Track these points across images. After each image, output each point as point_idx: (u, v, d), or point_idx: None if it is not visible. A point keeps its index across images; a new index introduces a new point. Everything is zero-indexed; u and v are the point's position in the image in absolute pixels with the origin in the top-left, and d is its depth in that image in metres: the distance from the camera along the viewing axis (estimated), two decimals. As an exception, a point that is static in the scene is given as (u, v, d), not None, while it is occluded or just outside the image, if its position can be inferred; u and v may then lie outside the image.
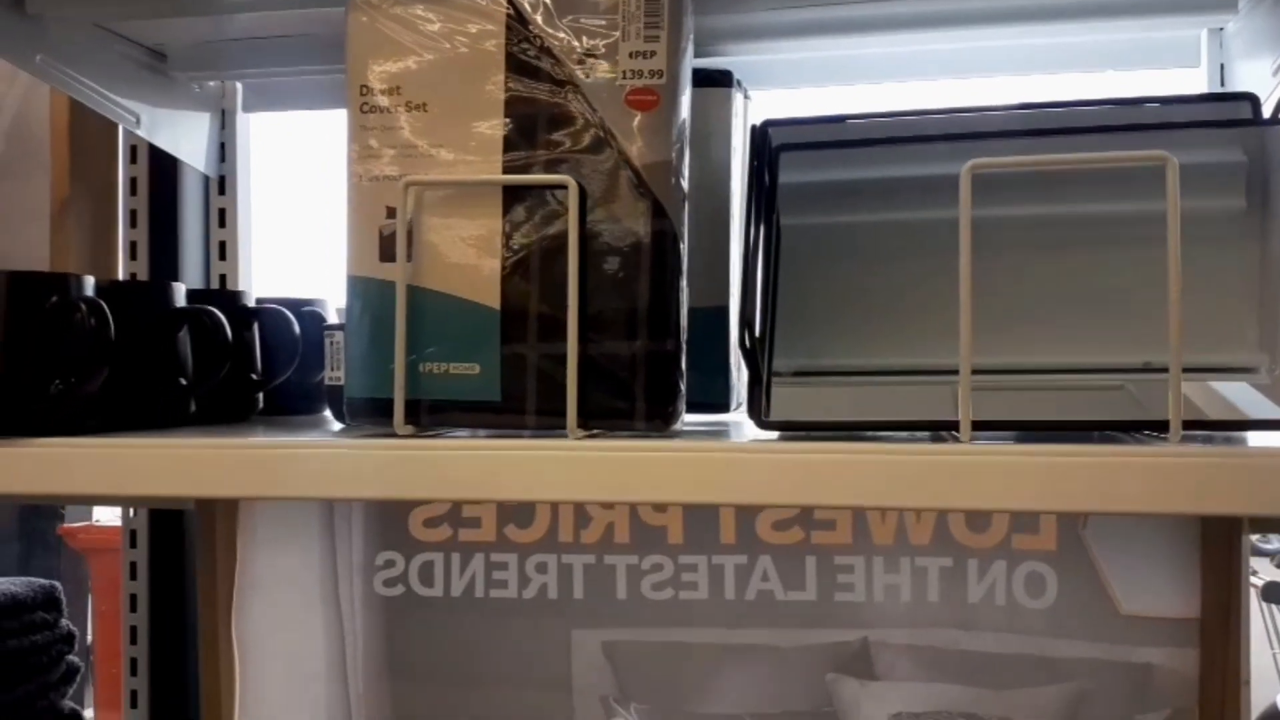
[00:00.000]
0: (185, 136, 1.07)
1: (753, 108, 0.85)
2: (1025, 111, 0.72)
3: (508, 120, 0.68)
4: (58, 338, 0.71)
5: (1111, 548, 0.86)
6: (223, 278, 1.12)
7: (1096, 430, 0.68)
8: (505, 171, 0.68)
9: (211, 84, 1.09)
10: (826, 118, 0.74)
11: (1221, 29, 0.89)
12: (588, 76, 0.67)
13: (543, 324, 0.67)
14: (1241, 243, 0.68)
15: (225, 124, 1.11)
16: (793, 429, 0.67)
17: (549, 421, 0.67)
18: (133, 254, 1.11)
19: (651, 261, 0.67)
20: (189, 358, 0.80)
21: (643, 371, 0.67)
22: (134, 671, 1.12)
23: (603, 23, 0.67)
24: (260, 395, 0.88)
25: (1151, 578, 0.86)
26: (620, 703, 0.94)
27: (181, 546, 1.13)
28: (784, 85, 0.96)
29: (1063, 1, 0.84)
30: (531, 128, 0.68)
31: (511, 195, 0.68)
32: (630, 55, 0.67)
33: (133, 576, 1.12)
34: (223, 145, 1.11)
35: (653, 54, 0.66)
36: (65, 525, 1.99)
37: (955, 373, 0.62)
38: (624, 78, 0.67)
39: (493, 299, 0.68)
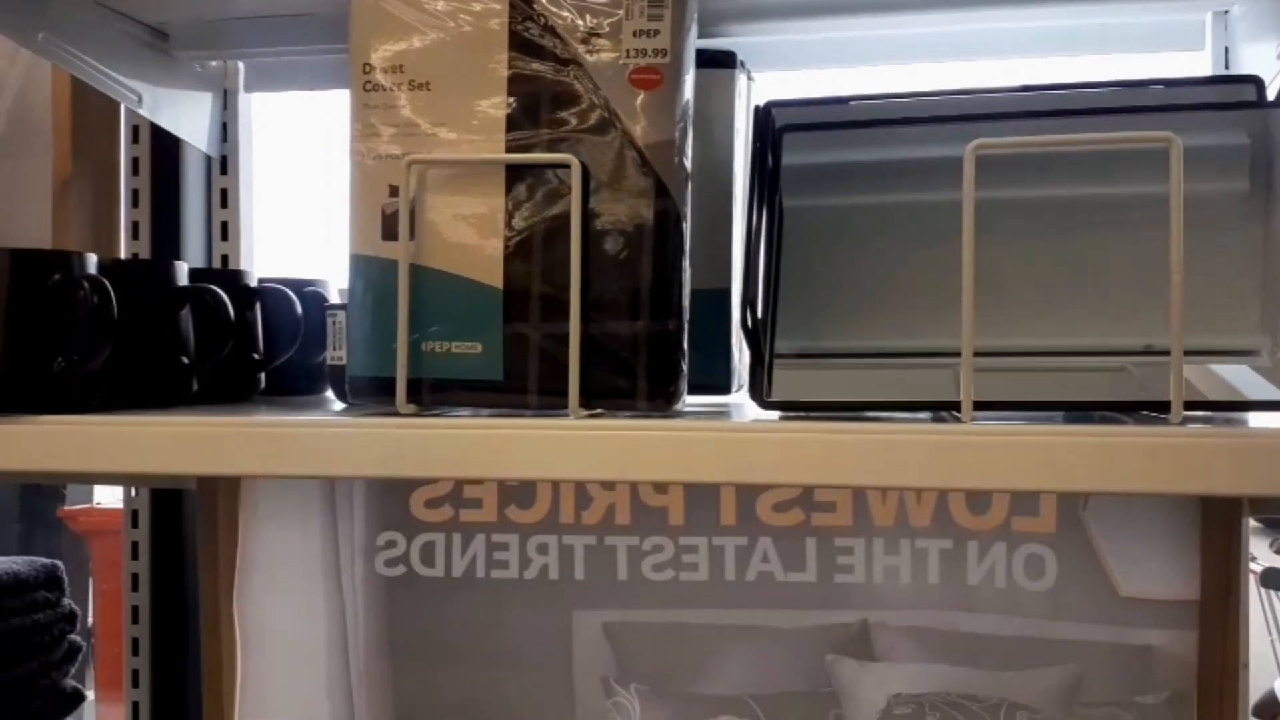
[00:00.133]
0: (187, 116, 1.06)
1: (756, 89, 0.85)
2: (1029, 93, 0.72)
3: (511, 99, 0.68)
4: (60, 316, 0.71)
5: (1111, 530, 0.87)
6: (224, 258, 1.12)
7: (1097, 411, 0.68)
8: (508, 150, 0.68)
9: (214, 63, 1.09)
10: (830, 99, 0.74)
11: (1226, 12, 0.88)
12: (591, 55, 0.67)
13: (545, 303, 0.67)
14: (1244, 225, 0.68)
15: (227, 104, 1.10)
16: (794, 409, 0.67)
17: (551, 401, 0.67)
18: (135, 234, 1.11)
19: (654, 241, 0.67)
20: (191, 337, 0.80)
21: (645, 351, 0.67)
22: (135, 651, 1.12)
23: (606, 1, 0.67)
24: (262, 375, 0.88)
25: (1151, 560, 0.86)
26: (620, 683, 0.94)
27: (182, 527, 1.13)
28: (788, 67, 0.95)
29: (1068, -16, 0.84)
30: (534, 107, 0.68)
31: (514, 174, 0.68)
32: (634, 34, 0.66)
33: (134, 556, 1.12)
34: (225, 125, 1.11)
35: (656, 33, 0.66)
36: (66, 508, 2.00)
37: (957, 355, 0.62)
38: (627, 56, 0.67)
39: (495, 278, 0.68)
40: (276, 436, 0.67)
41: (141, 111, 1.02)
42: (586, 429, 0.64)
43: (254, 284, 0.89)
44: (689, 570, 0.93)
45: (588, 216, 0.66)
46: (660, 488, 0.93)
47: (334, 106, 1.06)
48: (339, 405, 0.84)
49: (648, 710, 0.93)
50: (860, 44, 0.93)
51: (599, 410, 0.67)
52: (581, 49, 0.67)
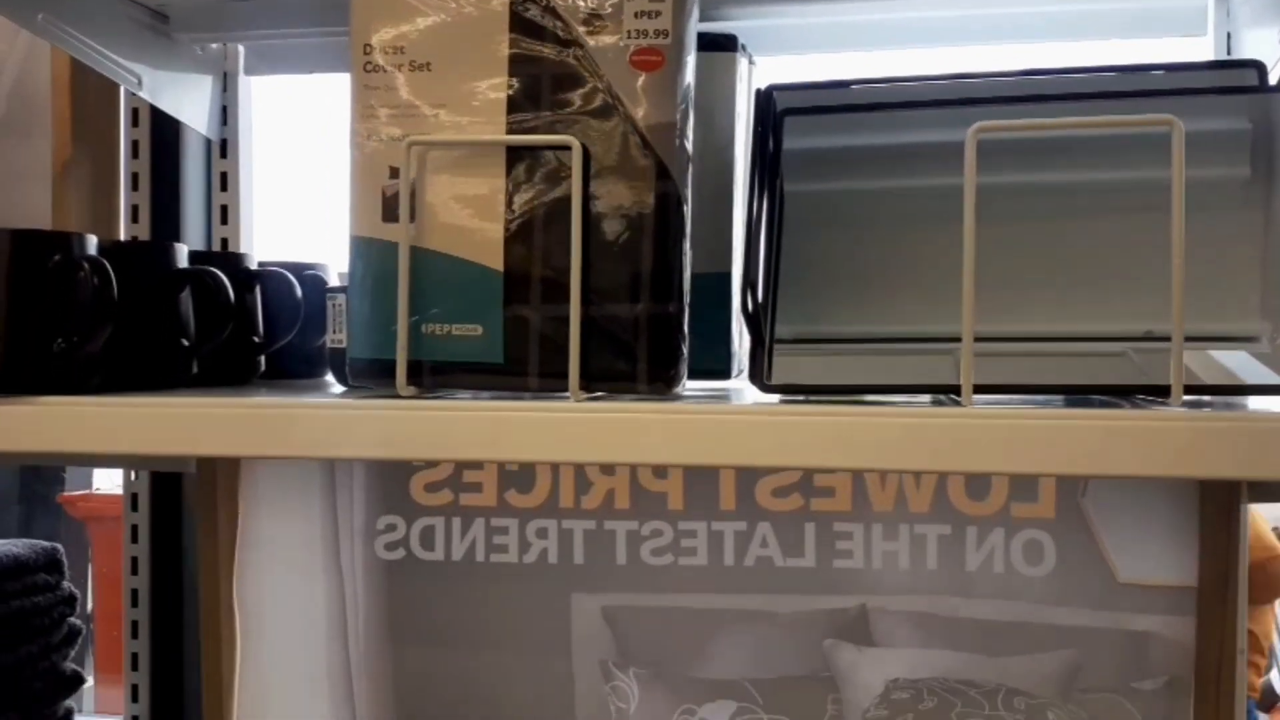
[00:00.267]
0: (187, 99, 1.06)
1: (757, 73, 0.85)
2: (1030, 78, 0.72)
3: (512, 81, 0.68)
4: (60, 296, 0.71)
5: (1109, 516, 0.87)
6: (224, 241, 1.11)
7: (1097, 395, 0.68)
8: (509, 133, 0.68)
9: (214, 46, 1.09)
10: (831, 83, 0.74)
11: (1229, -4, 0.88)
12: (592, 37, 0.67)
13: (546, 286, 0.67)
14: (1245, 211, 0.68)
15: (227, 87, 1.10)
16: (794, 392, 0.67)
17: (551, 384, 0.67)
18: (134, 217, 1.11)
19: (655, 223, 0.67)
20: (191, 319, 0.80)
21: (645, 334, 0.67)
22: (135, 634, 1.13)
23: (608, -17, 0.67)
24: (262, 359, 0.88)
25: (1149, 546, 0.86)
26: (619, 667, 0.94)
27: (182, 511, 1.14)
28: (789, 51, 0.95)
29: (1071, -31, 0.84)
30: (536, 89, 0.67)
31: (515, 156, 0.68)
32: (635, 15, 0.66)
33: (134, 539, 1.12)
34: (225, 109, 1.10)
35: (658, 14, 0.66)
36: (65, 493, 2.00)
37: (957, 340, 0.62)
38: (629, 38, 0.66)
39: (496, 260, 0.68)
40: (277, 417, 0.67)
41: (141, 94, 1.02)
42: (587, 412, 0.64)
43: (254, 267, 0.89)
44: (688, 555, 0.93)
45: (588, 199, 0.66)
46: (659, 472, 0.93)
47: (334, 90, 1.06)
48: (339, 388, 0.84)
49: (646, 694, 0.93)
50: (862, 28, 0.93)
51: (599, 393, 0.67)
52: (583, 30, 0.67)
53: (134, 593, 1.12)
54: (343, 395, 0.74)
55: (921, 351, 0.70)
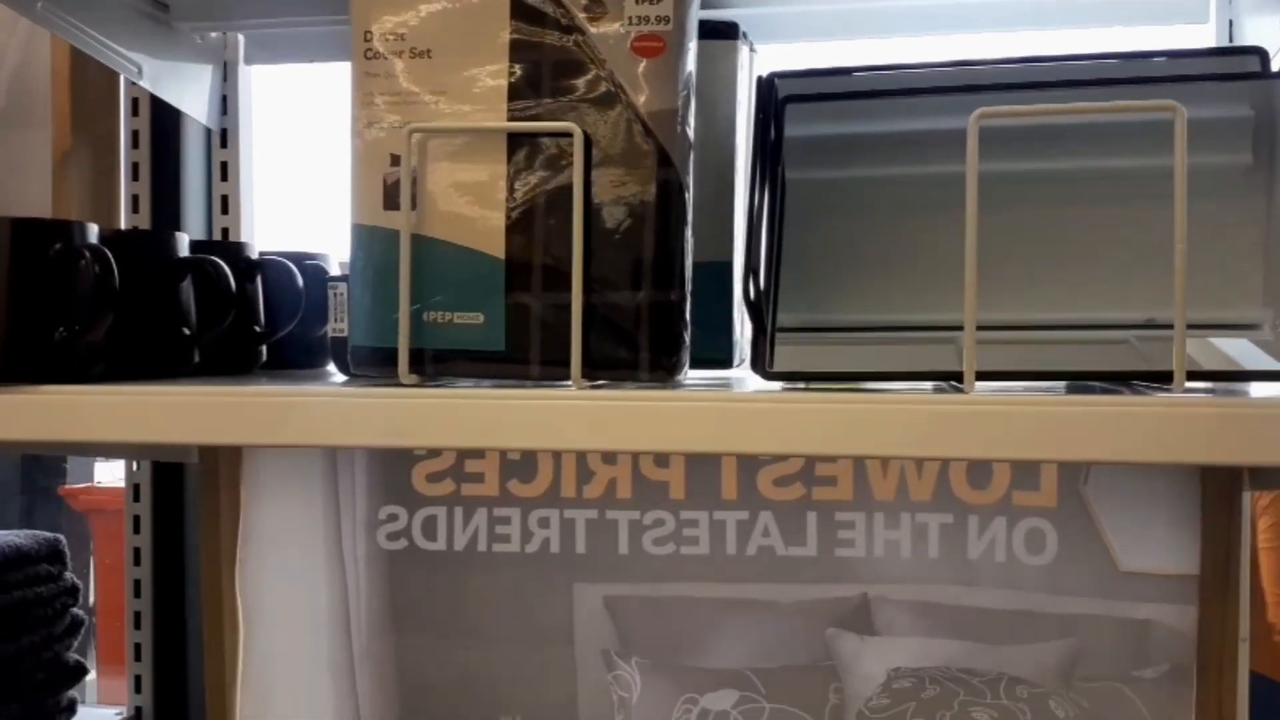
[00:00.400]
0: (187, 88, 1.06)
1: (759, 61, 0.85)
2: (1032, 65, 0.72)
3: (513, 69, 0.68)
4: (62, 285, 0.71)
5: (1111, 504, 0.87)
6: (225, 231, 1.11)
7: (1099, 382, 0.68)
8: (510, 120, 0.67)
9: (214, 35, 1.09)
10: (833, 70, 0.74)
11: (1231, -15, 0.88)
12: (594, 24, 0.67)
13: (547, 274, 0.67)
14: (1247, 198, 0.68)
15: (227, 76, 1.10)
16: (796, 380, 0.67)
17: (553, 372, 0.67)
18: (135, 207, 1.11)
19: (657, 211, 0.66)
20: (192, 308, 0.80)
21: (647, 322, 0.67)
22: (137, 625, 1.13)
23: (609, -31, 0.67)
24: (263, 348, 0.88)
25: (1151, 534, 0.86)
26: (621, 656, 0.94)
27: (183, 501, 1.14)
28: (790, 38, 0.95)
29: (1072, -44, 0.84)
30: (537, 76, 0.67)
31: (516, 144, 0.68)
32: (637, 1, 0.66)
33: (136, 530, 1.12)
34: (225, 98, 1.10)
35: (659, 0, 0.66)
36: (66, 486, 2.00)
37: (959, 328, 0.62)
38: (630, 24, 0.66)
39: (497, 248, 0.68)
40: (279, 406, 0.67)
41: (142, 83, 1.01)
42: (588, 399, 0.64)
43: (255, 256, 0.89)
44: (690, 544, 0.93)
45: (590, 186, 0.66)
46: (661, 461, 0.93)
47: (334, 79, 1.05)
48: (341, 377, 0.84)
49: (648, 683, 0.94)
50: (863, 15, 0.92)
51: (601, 381, 0.67)
52: (584, 17, 0.67)
53: (136, 583, 1.13)
54: (345, 384, 0.74)
55: (923, 339, 0.69)
